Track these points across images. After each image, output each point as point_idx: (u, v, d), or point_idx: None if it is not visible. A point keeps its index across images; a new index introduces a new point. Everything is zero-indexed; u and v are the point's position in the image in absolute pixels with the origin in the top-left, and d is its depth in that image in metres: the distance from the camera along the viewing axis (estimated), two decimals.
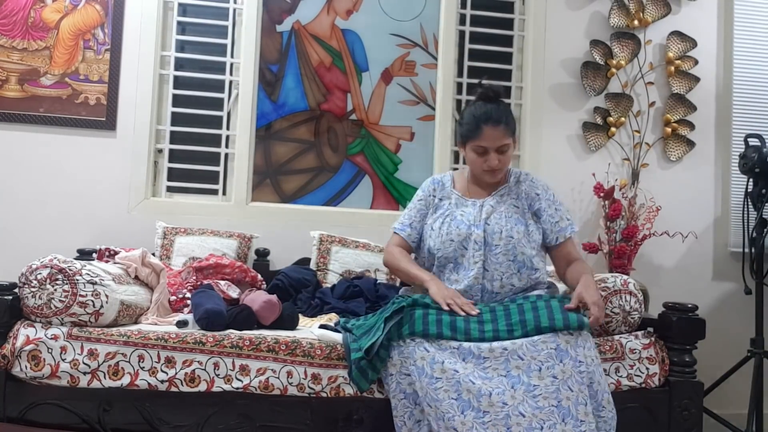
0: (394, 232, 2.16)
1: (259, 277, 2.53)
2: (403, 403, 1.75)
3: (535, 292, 1.99)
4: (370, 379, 1.82)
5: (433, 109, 3.18)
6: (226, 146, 3.04)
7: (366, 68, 3.15)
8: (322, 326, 2.05)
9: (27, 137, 2.86)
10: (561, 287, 2.38)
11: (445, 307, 1.84)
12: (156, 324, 2.10)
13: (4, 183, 2.84)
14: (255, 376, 1.87)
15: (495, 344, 1.74)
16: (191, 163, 3.01)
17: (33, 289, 1.87)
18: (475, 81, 3.11)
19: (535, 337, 1.74)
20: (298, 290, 2.54)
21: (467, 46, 3.20)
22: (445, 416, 1.67)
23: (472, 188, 2.14)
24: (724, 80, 3.26)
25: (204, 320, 2.00)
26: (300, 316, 2.26)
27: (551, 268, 2.36)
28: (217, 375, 1.87)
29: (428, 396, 1.70)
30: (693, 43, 3.21)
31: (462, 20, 3.21)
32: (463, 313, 1.83)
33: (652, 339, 2.09)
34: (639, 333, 2.11)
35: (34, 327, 1.87)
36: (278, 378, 1.88)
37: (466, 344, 1.75)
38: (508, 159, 2.05)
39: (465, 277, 2.00)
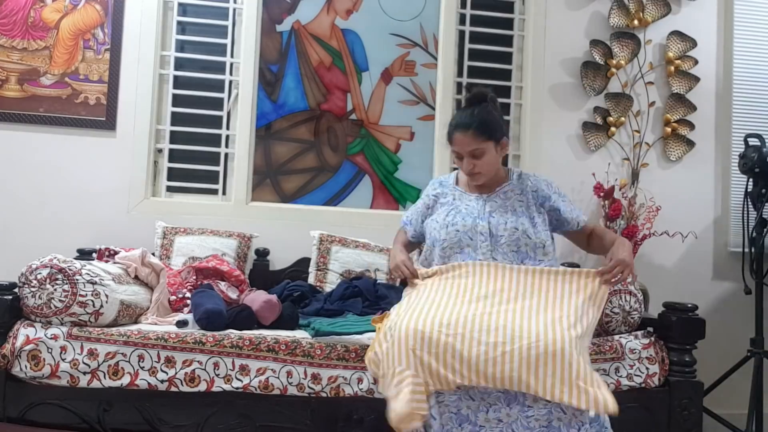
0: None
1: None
2: None
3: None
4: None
5: (433, 108, 3.18)
6: (226, 146, 3.04)
7: (366, 68, 3.15)
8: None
9: (27, 137, 2.86)
10: None
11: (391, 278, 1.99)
12: (156, 324, 2.10)
13: (4, 183, 2.84)
14: (255, 376, 1.87)
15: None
16: (191, 162, 3.01)
17: (33, 289, 1.87)
18: (475, 81, 3.14)
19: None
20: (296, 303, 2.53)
21: (467, 45, 3.19)
22: (444, 428, 1.73)
23: (470, 185, 2.18)
24: (724, 80, 3.25)
25: (204, 320, 2.00)
26: None
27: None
28: (217, 375, 1.87)
29: (433, 407, 1.73)
30: (693, 43, 3.21)
31: (462, 20, 3.21)
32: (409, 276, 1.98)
33: (652, 339, 2.09)
34: (639, 333, 2.12)
35: (34, 327, 1.87)
36: (278, 378, 1.88)
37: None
38: (485, 163, 2.06)
39: None
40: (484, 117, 2.04)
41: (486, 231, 2.04)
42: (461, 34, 3.20)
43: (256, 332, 1.99)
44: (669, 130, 3.18)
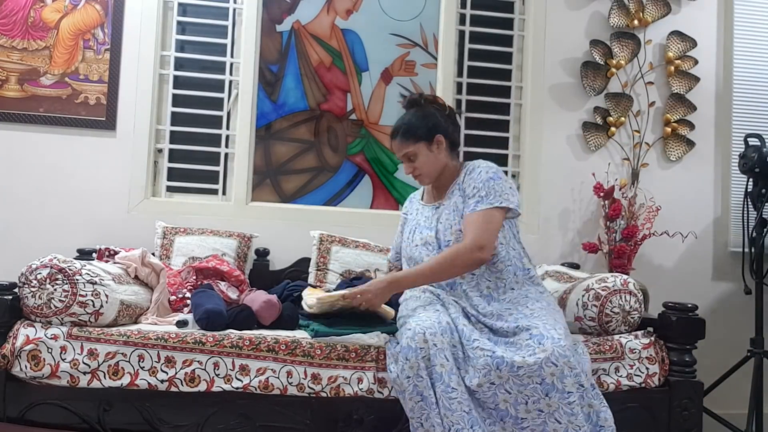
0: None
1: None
2: (420, 405, 1.74)
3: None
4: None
5: None
6: (226, 146, 3.04)
7: (366, 68, 3.15)
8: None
9: (27, 137, 2.86)
10: (552, 286, 2.37)
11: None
12: (156, 324, 2.10)
13: (4, 183, 2.84)
14: (255, 376, 1.87)
15: (483, 379, 1.73)
16: (191, 162, 3.01)
17: (33, 289, 1.87)
18: (475, 81, 3.15)
19: (521, 372, 1.70)
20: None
21: (467, 45, 3.19)
22: (453, 426, 1.71)
23: (431, 194, 2.21)
24: (724, 80, 3.25)
25: (204, 320, 2.00)
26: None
27: (548, 268, 2.37)
28: (217, 375, 1.87)
29: (443, 403, 1.72)
30: (693, 43, 3.21)
31: (462, 20, 3.21)
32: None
33: (652, 339, 2.09)
34: (639, 333, 2.12)
35: (34, 327, 1.87)
36: (278, 378, 1.88)
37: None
38: (422, 164, 2.09)
39: None
40: (408, 121, 2.10)
41: (433, 240, 2.05)
42: (461, 34, 3.20)
43: (256, 332, 1.99)
44: (669, 130, 3.18)
